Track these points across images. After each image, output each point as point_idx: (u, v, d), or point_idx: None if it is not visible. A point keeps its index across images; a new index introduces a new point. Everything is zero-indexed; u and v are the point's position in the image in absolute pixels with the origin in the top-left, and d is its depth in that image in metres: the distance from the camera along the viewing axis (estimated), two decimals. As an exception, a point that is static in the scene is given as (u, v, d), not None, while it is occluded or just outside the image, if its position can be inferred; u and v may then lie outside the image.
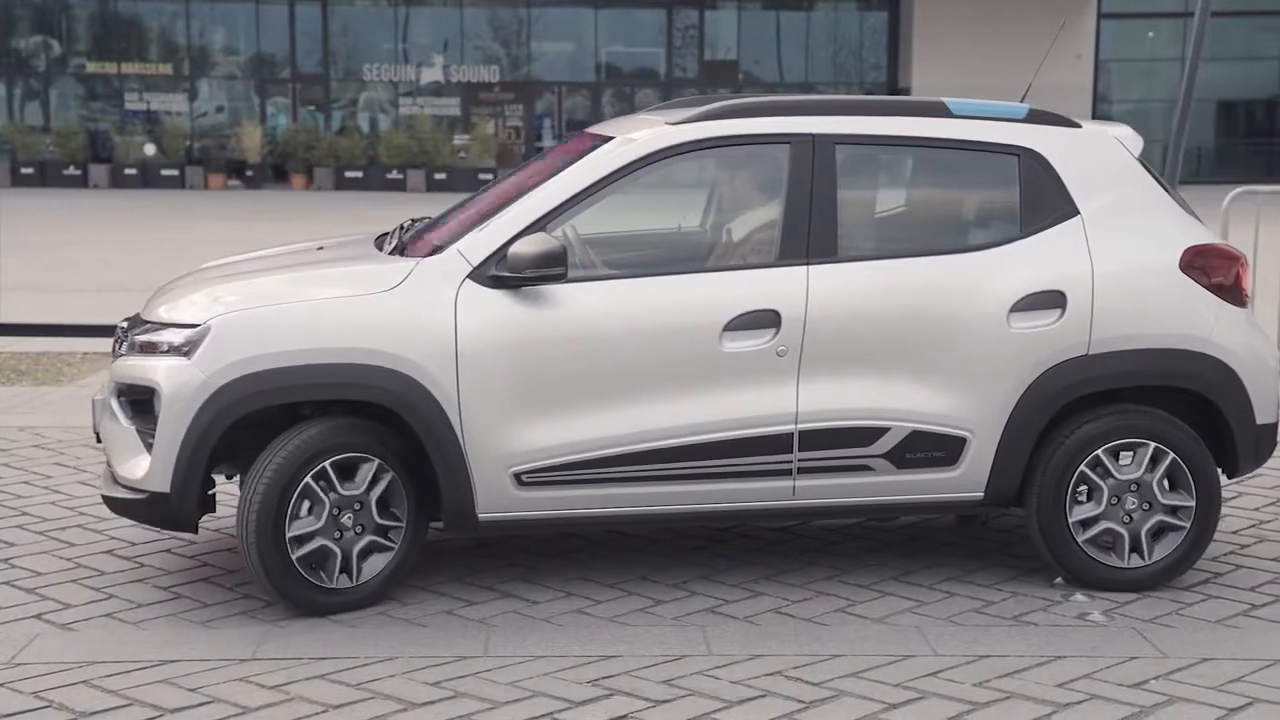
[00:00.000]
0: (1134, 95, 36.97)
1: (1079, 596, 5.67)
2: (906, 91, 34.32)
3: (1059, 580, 5.81)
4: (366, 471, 5.38)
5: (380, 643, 5.13)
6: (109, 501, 5.61)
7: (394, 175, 33.90)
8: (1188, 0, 32.70)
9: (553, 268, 5.36)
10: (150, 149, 34.71)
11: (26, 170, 33.78)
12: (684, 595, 5.70)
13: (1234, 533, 6.53)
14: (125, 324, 5.77)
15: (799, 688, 4.76)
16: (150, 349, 5.47)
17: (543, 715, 4.53)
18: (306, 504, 5.35)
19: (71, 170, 33.88)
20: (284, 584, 5.35)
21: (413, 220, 6.45)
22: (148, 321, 5.62)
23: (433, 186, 33.13)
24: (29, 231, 20.92)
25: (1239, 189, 9.13)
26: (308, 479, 5.32)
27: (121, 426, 5.53)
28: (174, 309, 5.60)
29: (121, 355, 5.66)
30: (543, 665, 4.93)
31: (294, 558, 5.33)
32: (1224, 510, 6.82)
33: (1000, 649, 5.10)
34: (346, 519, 5.39)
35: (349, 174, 33.98)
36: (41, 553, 6.18)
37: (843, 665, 4.94)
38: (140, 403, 5.48)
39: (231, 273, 6.03)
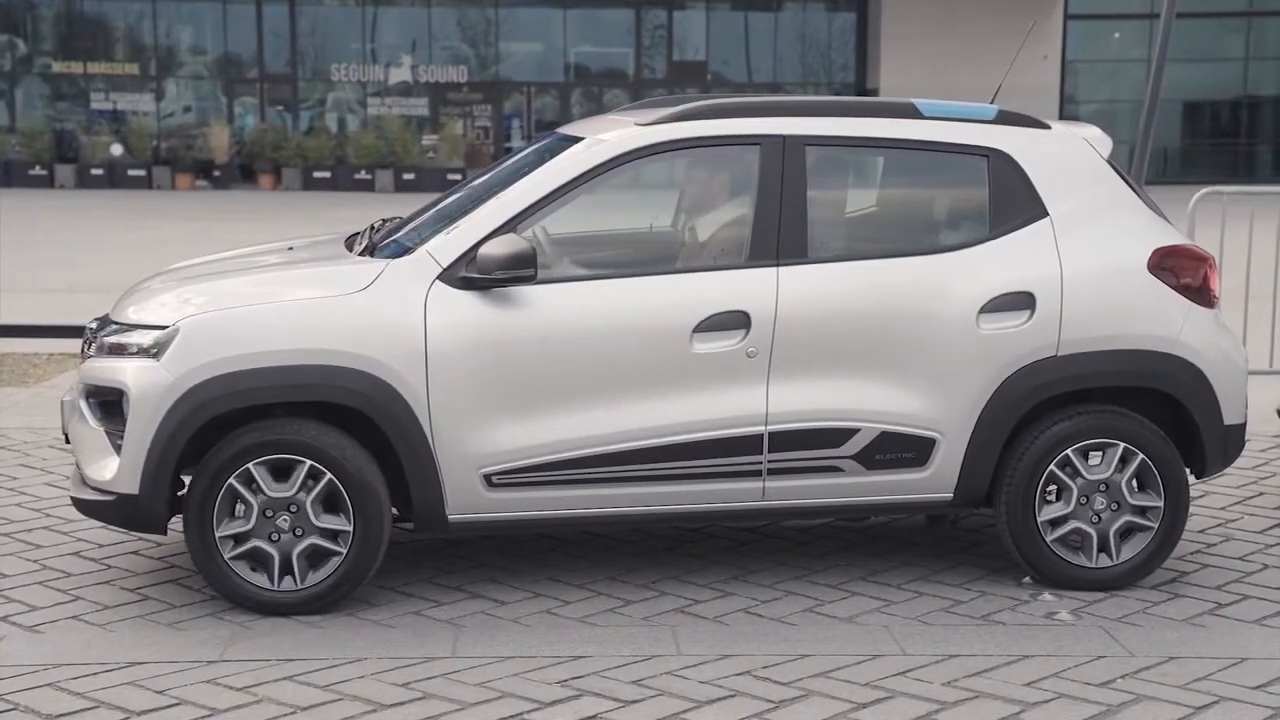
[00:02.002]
0: (1100, 96, 37.15)
1: (1047, 596, 5.70)
2: (875, 92, 34.41)
3: (1027, 580, 5.83)
4: (298, 473, 5.35)
5: (348, 644, 5.12)
6: (77, 503, 5.57)
7: (362, 175, 33.79)
8: (1153, 1, 32.91)
9: (522, 269, 5.35)
10: (117, 149, 34.47)
11: (-9, 170, 33.57)
12: (653, 595, 5.70)
13: (1201, 532, 6.57)
14: (94, 325, 5.73)
15: (768, 687, 4.76)
16: (119, 350, 5.44)
17: (511, 716, 4.53)
18: (241, 506, 5.36)
19: (37, 170, 33.61)
20: (217, 582, 5.39)
21: (383, 220, 6.43)
22: (116, 322, 5.60)
23: (401, 187, 33.04)
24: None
25: (1205, 189, 9.17)
26: (231, 480, 5.31)
27: (90, 428, 5.50)
28: (143, 310, 5.58)
29: (90, 356, 5.63)
30: (511, 666, 4.92)
31: (226, 557, 5.35)
32: (1191, 510, 6.87)
33: (968, 648, 5.12)
34: (282, 521, 5.36)
35: (317, 174, 33.83)
36: (8, 554, 6.13)
37: (812, 665, 4.95)
38: (109, 404, 5.45)
39: (201, 273, 6.01)
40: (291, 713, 4.55)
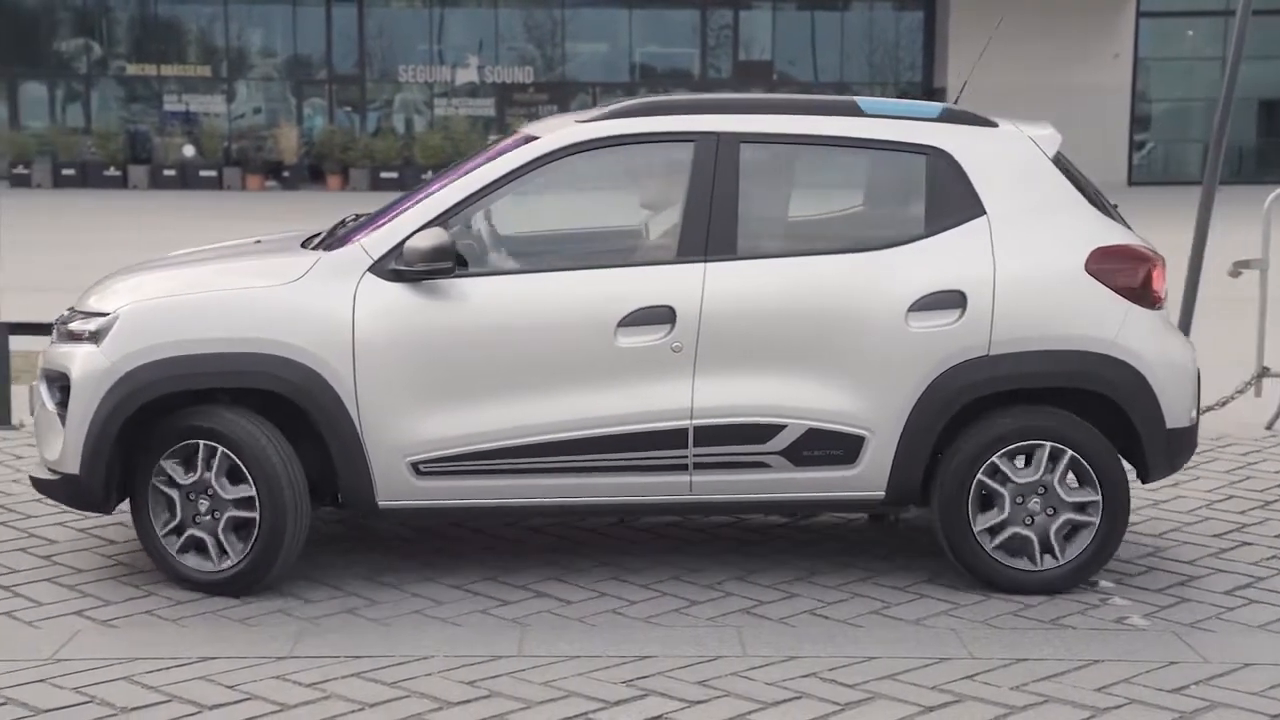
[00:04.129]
0: (1174, 94, 36.71)
1: (1118, 600, 5.64)
2: (942, 91, 34.17)
3: (1100, 583, 5.76)
4: (201, 455, 5.51)
5: (415, 642, 5.15)
6: (35, 482, 5.88)
7: (429, 175, 33.89)
8: (1227, -1, 32.48)
9: (440, 262, 5.45)
10: (189, 150, 34.93)
11: (68, 171, 34.06)
12: (718, 596, 5.70)
13: (1277, 537, 6.47)
14: (65, 313, 5.95)
15: (834, 689, 4.74)
16: (71, 336, 5.69)
17: (577, 715, 4.54)
18: (167, 499, 5.59)
19: (111, 171, 34.17)
20: (170, 575, 5.65)
21: (355, 215, 6.48)
22: (75, 310, 5.84)
23: (468, 186, 33.16)
24: (66, 232, 21.07)
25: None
26: (154, 482, 5.56)
27: (46, 410, 5.73)
28: (100, 299, 5.81)
29: (53, 342, 5.86)
30: (577, 665, 4.93)
31: (174, 553, 5.60)
32: (1262, 515, 6.77)
33: (1037, 652, 5.07)
34: (202, 504, 5.55)
35: (384, 174, 34.04)
36: (82, 550, 6.22)
37: (878, 667, 4.92)
38: (66, 388, 5.66)
39: (162, 264, 6.22)
40: (359, 709, 4.58)
